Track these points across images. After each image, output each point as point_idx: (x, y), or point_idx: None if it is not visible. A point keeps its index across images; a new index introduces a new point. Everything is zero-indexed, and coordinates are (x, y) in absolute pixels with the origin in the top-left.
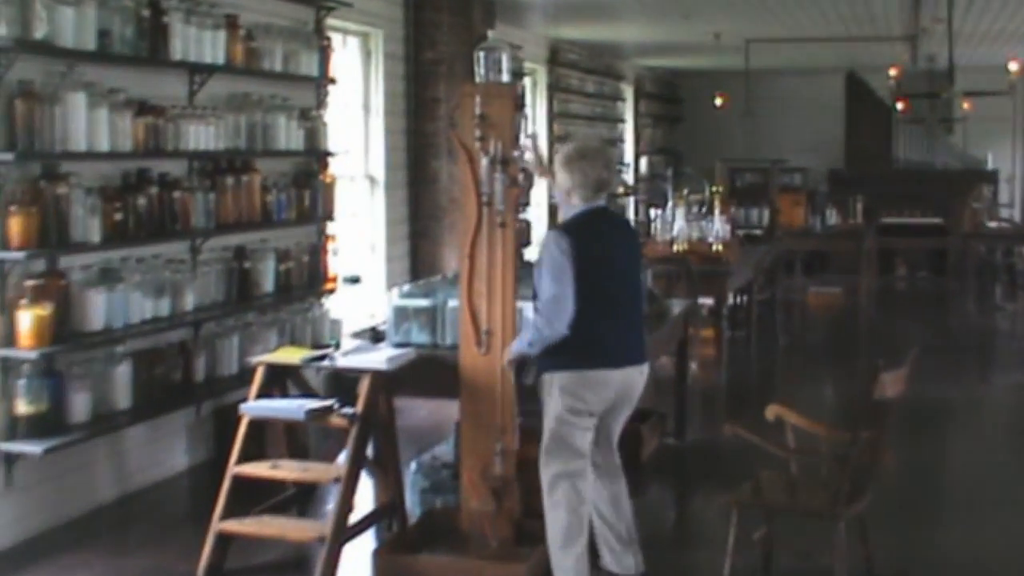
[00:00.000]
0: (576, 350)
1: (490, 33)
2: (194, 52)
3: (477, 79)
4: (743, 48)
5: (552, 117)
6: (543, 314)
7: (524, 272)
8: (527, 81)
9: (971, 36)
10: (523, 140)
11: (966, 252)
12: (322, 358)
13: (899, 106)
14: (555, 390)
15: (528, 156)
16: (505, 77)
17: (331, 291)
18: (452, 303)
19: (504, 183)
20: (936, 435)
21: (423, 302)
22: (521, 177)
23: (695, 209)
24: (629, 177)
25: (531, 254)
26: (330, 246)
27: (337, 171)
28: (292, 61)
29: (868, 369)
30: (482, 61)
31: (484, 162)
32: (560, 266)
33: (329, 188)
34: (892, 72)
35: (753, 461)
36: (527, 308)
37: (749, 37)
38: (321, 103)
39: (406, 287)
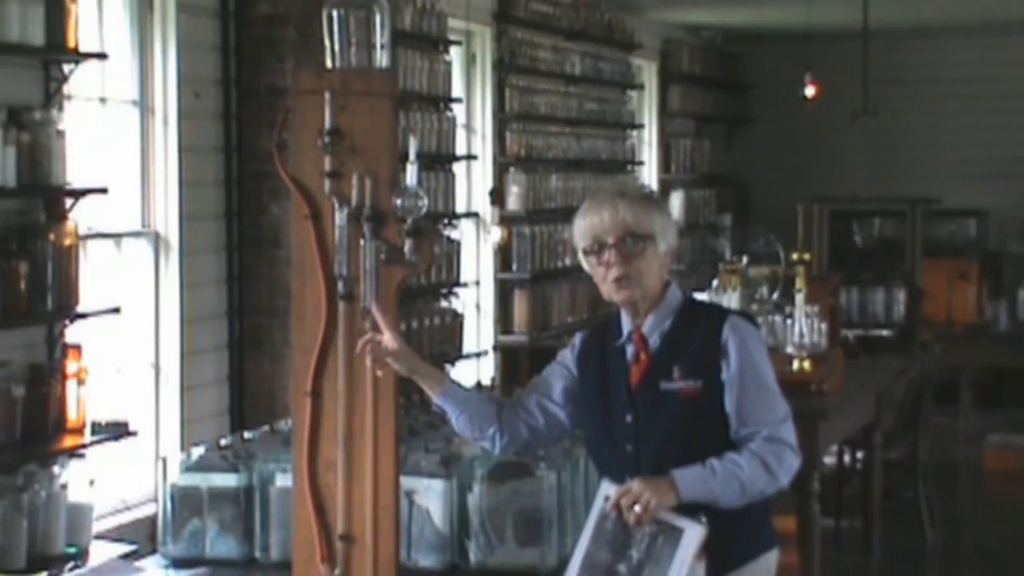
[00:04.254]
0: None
1: None
2: None
3: (328, 61)
4: None
5: (502, 121)
6: (780, 445)
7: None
8: (455, 54)
9: None
10: (410, 179)
11: None
12: None
13: None
14: None
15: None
16: (382, 57)
17: (73, 451)
18: (282, 482)
19: (378, 255)
20: None
21: (227, 479)
22: (409, 245)
23: (763, 293)
24: None
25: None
26: (71, 366)
27: (87, 225)
28: None
29: None
30: (335, 27)
31: (340, 218)
32: (773, 376)
33: (68, 257)
34: None
35: None
36: (424, 490)
37: None
38: (53, 98)
39: (198, 451)
